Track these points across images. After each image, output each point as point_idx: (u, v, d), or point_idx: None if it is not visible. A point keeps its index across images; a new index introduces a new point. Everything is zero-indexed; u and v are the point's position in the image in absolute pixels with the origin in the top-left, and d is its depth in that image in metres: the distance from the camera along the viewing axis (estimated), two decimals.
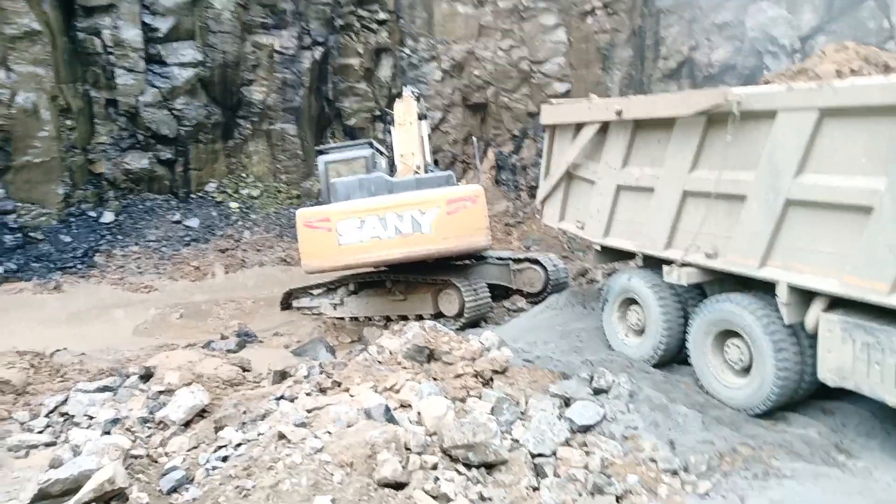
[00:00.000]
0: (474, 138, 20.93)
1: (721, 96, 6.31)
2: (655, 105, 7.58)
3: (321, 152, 14.00)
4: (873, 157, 5.10)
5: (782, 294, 5.86)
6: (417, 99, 13.95)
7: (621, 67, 21.94)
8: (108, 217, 18.61)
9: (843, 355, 5.40)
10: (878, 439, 5.73)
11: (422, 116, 13.67)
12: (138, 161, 19.53)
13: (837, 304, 5.56)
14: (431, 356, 7.21)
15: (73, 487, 4.76)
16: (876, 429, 5.85)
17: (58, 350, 10.01)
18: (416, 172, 12.69)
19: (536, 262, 12.66)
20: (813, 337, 5.79)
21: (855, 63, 6.29)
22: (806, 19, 17.86)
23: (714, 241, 6.68)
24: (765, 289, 6.26)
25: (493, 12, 23.72)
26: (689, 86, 20.12)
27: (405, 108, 13.41)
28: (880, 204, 4.97)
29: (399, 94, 14.89)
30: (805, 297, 5.80)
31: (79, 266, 16.57)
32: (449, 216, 10.45)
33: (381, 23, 23.20)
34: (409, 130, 13.26)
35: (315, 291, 13.19)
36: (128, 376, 8.32)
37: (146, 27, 19.33)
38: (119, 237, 18.18)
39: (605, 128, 8.45)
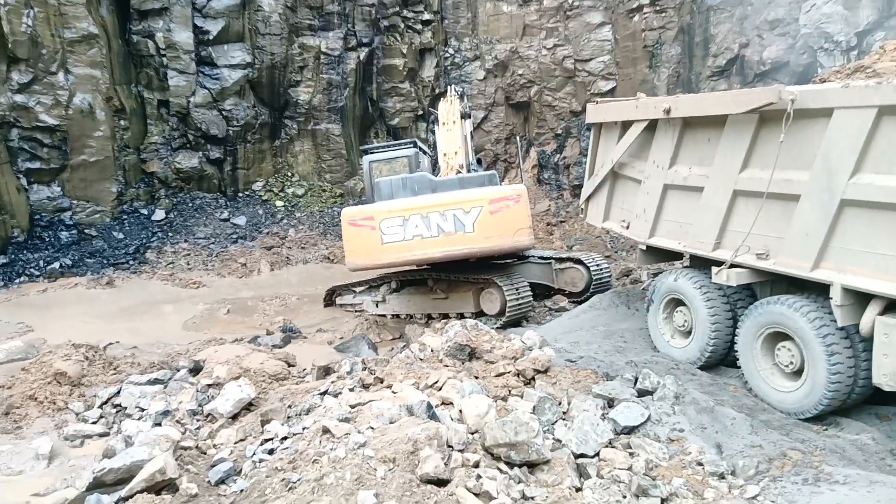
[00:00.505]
0: (517, 137, 20.91)
1: (774, 94, 6.15)
2: (706, 103, 7.43)
3: (366, 152, 14.14)
4: None
5: (836, 296, 5.69)
6: (461, 98, 13.96)
7: (669, 65, 21.57)
8: (159, 215, 19.15)
9: None
10: None
11: (465, 115, 13.68)
12: (188, 160, 20.05)
13: (894, 306, 5.38)
14: (473, 355, 7.22)
15: (125, 477, 4.92)
16: None
17: (111, 343, 10.33)
18: (459, 172, 12.70)
19: (579, 261, 12.55)
20: (868, 340, 5.61)
21: None
22: (863, 15, 17.26)
23: (765, 242, 6.53)
24: (818, 290, 6.10)
25: (538, 11, 23.61)
26: (739, 84, 19.64)
27: (449, 108, 13.46)
28: None
29: (443, 94, 14.93)
30: (860, 299, 5.62)
31: (130, 262, 17.08)
32: (492, 216, 10.44)
33: (426, 23, 23.31)
34: (452, 130, 13.29)
35: (358, 289, 13.32)
36: (178, 370, 8.55)
37: (197, 30, 19.82)
38: (169, 234, 18.68)
39: (652, 126, 8.33)
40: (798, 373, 6.27)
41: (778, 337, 6.46)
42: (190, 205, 19.92)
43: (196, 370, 8.34)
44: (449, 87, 15.54)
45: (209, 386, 7.43)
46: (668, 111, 7.77)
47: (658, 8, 21.49)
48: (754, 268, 6.73)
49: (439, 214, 10.54)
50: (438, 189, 11.17)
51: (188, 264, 17.42)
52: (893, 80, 5.22)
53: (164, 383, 8.11)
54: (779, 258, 6.37)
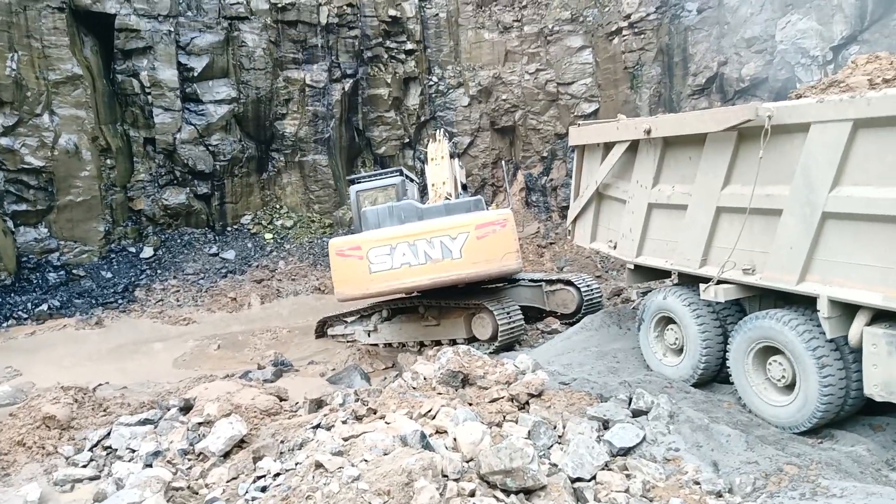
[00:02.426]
0: (503, 161, 21.06)
1: (752, 111, 6.24)
2: (685, 122, 7.52)
3: (352, 181, 14.19)
4: None
5: (823, 308, 5.72)
6: (453, 150, 14.17)
7: (650, 86, 21.84)
8: (147, 252, 19.07)
9: (889, 369, 5.23)
10: None
11: (453, 155, 13.85)
12: (176, 197, 20.04)
13: (881, 317, 5.41)
14: (466, 381, 7.18)
15: None
16: None
17: (100, 384, 10.23)
18: (447, 199, 12.76)
19: (569, 283, 12.57)
20: (857, 351, 5.63)
21: (888, 73, 6.16)
22: (837, 30, 17.55)
23: (751, 257, 6.57)
24: (806, 303, 6.13)
25: (519, 37, 23.92)
26: (719, 102, 19.88)
27: (437, 146, 13.73)
28: None
29: (425, 124, 15.08)
30: (847, 310, 5.66)
31: (119, 301, 16.96)
32: (479, 241, 10.47)
33: (409, 53, 23.56)
34: (441, 164, 13.46)
35: (349, 319, 13.27)
36: (168, 409, 8.45)
37: (182, 67, 19.94)
38: (158, 271, 18.59)
39: (634, 147, 8.42)
40: (790, 387, 6.27)
41: (769, 351, 6.47)
42: (178, 241, 19.86)
43: (187, 408, 8.25)
44: (438, 130, 15.82)
45: (200, 424, 7.33)
46: (648, 131, 7.85)
47: (637, 30, 21.81)
48: (741, 283, 6.77)
49: (426, 241, 10.56)
50: (425, 216, 11.20)
51: (178, 301, 17.32)
52: (867, 94, 5.31)
53: (154, 423, 8.01)
54: (765, 273, 6.40)
